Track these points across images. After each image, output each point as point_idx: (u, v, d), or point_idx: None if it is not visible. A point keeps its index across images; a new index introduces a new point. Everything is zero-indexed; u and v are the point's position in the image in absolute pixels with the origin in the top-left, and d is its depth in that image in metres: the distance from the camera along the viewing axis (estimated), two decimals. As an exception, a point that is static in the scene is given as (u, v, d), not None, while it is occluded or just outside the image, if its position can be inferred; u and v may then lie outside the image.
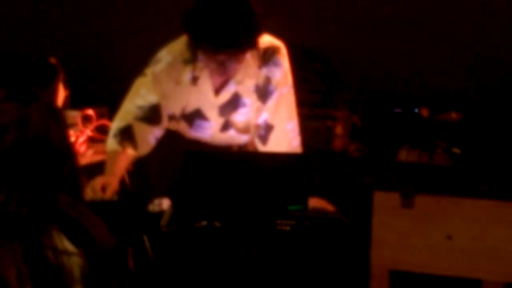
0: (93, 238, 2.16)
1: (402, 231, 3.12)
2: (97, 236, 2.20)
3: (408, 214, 3.10)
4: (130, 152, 3.23)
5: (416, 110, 4.22)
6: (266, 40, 3.26)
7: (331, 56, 4.77)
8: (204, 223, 2.86)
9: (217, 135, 3.37)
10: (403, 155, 3.37)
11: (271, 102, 3.29)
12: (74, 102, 3.70)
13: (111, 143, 3.22)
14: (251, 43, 3.10)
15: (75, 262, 2.10)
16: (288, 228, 2.88)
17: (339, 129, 4.23)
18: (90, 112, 4.11)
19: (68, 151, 2.21)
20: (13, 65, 3.31)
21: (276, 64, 3.27)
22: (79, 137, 3.96)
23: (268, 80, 3.28)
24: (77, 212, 2.17)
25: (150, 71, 3.26)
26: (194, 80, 3.24)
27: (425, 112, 4.20)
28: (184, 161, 2.92)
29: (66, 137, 2.22)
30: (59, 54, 3.45)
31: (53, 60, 3.41)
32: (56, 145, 2.15)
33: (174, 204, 2.98)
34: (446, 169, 3.27)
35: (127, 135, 3.22)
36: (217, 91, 3.28)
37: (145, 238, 2.79)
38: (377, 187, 3.13)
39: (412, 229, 3.11)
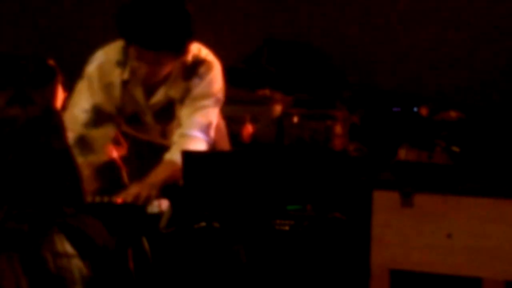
0: (93, 240, 2.16)
1: (401, 230, 3.11)
2: (97, 238, 2.19)
3: (407, 213, 3.09)
4: (92, 159, 3.25)
5: (415, 109, 4.22)
6: (200, 53, 3.24)
7: (331, 55, 4.77)
8: (203, 224, 2.86)
9: (160, 141, 3.37)
10: (402, 154, 3.36)
11: (187, 110, 3.25)
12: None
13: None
14: (180, 45, 3.08)
15: (75, 265, 2.10)
16: (287, 228, 2.88)
17: (338, 129, 4.23)
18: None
19: (69, 158, 2.21)
20: (11, 67, 3.30)
21: (200, 77, 3.24)
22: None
23: (187, 91, 3.24)
24: (79, 221, 2.17)
25: (85, 72, 3.28)
26: (125, 83, 3.24)
27: (424, 111, 4.20)
28: (183, 162, 2.92)
29: (66, 144, 2.22)
30: (56, 56, 3.45)
31: (51, 62, 3.41)
32: (58, 153, 2.14)
33: (172, 205, 2.99)
34: (446, 168, 3.26)
35: (83, 145, 3.24)
36: (148, 96, 3.27)
37: (144, 239, 2.79)
38: (376, 187, 3.12)
39: (412, 228, 3.10)
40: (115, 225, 2.57)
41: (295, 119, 4.30)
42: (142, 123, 3.39)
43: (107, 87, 3.25)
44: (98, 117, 3.27)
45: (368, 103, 4.40)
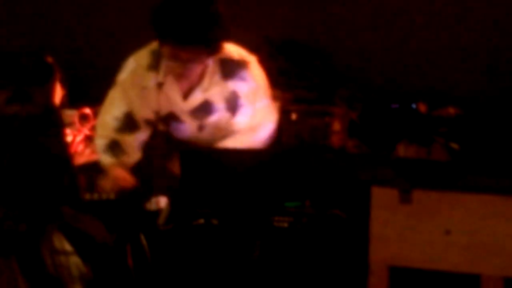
0: (91, 238, 2.16)
1: (400, 227, 3.11)
2: (95, 236, 2.19)
3: (406, 210, 3.10)
4: (126, 161, 3.28)
5: (414, 106, 4.22)
6: (234, 52, 3.29)
7: (329, 53, 4.77)
8: (202, 221, 2.87)
9: (196, 135, 3.39)
10: (401, 150, 3.37)
11: (244, 116, 3.33)
12: (71, 101, 3.70)
13: (105, 158, 3.30)
14: (212, 42, 3.13)
15: (73, 262, 2.09)
16: (286, 224, 2.88)
17: (336, 126, 4.23)
18: (87, 111, 4.11)
19: (67, 159, 2.21)
20: (10, 64, 3.30)
21: (243, 79, 3.29)
22: (76, 136, 3.97)
23: (235, 94, 3.30)
24: (77, 220, 2.17)
25: (118, 80, 3.33)
26: (159, 86, 3.27)
27: (422, 108, 4.19)
28: (181, 160, 2.93)
29: (64, 143, 2.22)
30: (55, 53, 3.45)
31: (49, 59, 3.41)
32: (54, 154, 2.14)
33: (171, 202, 2.99)
34: (444, 164, 3.27)
35: (116, 149, 3.28)
36: (185, 96, 3.31)
37: (142, 236, 2.80)
38: (375, 183, 3.12)
39: (410, 224, 3.10)
40: (113, 222, 2.58)
41: (294, 116, 4.30)
42: (179, 122, 3.42)
43: (142, 92, 3.30)
44: (129, 124, 3.32)
45: (366, 100, 4.40)
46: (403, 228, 3.11)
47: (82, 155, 3.82)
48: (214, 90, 3.29)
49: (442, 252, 3.09)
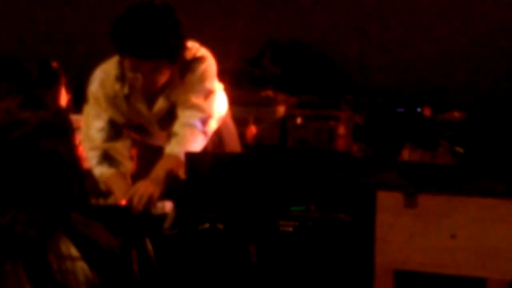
0: (98, 243, 2.16)
1: (405, 231, 3.11)
2: (102, 242, 2.20)
3: (411, 214, 3.10)
4: (123, 169, 3.26)
5: (419, 110, 4.22)
6: (193, 51, 3.25)
7: (334, 56, 4.77)
8: (207, 225, 2.87)
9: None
10: (406, 154, 3.36)
11: (183, 103, 3.24)
12: (76, 105, 3.71)
13: (102, 170, 3.24)
14: (173, 53, 3.09)
15: (79, 267, 2.10)
16: (291, 229, 2.89)
17: (341, 129, 4.23)
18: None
19: (77, 164, 2.21)
20: (16, 70, 3.31)
21: (192, 70, 3.24)
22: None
23: (182, 85, 3.25)
24: (84, 225, 2.17)
25: (89, 92, 3.31)
26: (126, 97, 3.26)
27: (427, 112, 4.19)
28: (186, 164, 2.93)
29: (74, 149, 2.22)
30: (60, 58, 3.46)
31: (54, 64, 3.42)
32: (66, 160, 2.14)
33: (176, 207, 2.99)
34: (449, 168, 3.26)
35: (109, 159, 3.25)
36: (150, 107, 3.29)
37: (148, 241, 2.80)
38: (380, 187, 3.12)
39: (415, 228, 3.10)
40: (119, 227, 2.58)
41: (299, 120, 4.29)
42: (148, 132, 3.41)
43: (113, 100, 3.27)
44: (115, 129, 3.30)
45: (371, 104, 4.41)
46: (408, 232, 3.11)
47: (87, 160, 3.82)
48: (176, 94, 3.26)
49: (447, 256, 3.10)
